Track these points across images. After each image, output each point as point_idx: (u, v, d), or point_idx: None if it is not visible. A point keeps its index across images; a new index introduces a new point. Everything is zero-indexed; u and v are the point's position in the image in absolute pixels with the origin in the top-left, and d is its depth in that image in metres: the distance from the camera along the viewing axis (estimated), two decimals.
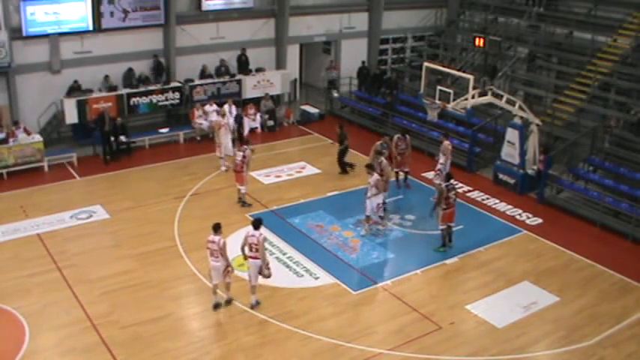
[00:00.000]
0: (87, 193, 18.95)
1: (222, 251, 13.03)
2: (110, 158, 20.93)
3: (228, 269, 13.32)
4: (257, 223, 13.27)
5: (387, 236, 16.77)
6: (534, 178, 19.46)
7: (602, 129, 20.38)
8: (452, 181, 16.14)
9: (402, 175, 19.71)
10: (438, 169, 18.50)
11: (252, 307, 13.46)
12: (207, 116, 23.08)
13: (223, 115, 21.43)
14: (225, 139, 20.25)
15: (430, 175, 20.33)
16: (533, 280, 14.93)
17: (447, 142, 19.04)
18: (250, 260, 13.28)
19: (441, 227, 15.97)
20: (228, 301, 13.65)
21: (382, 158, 17.56)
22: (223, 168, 20.16)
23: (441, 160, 18.75)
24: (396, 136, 19.38)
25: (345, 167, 20.47)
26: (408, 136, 19.54)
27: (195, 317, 13.49)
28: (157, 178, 20.04)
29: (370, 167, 16.70)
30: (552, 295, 14.34)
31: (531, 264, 15.67)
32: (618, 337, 13.01)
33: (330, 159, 21.04)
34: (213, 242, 13.07)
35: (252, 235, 13.12)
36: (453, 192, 15.94)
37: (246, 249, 13.24)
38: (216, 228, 13.15)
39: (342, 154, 20.46)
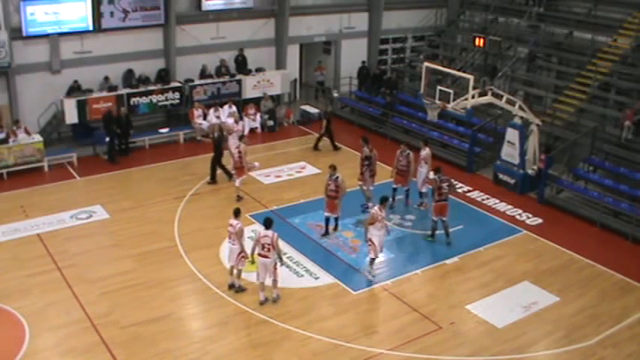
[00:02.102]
0: (87, 193, 18.95)
1: (237, 235, 13.49)
2: (114, 159, 20.95)
3: (242, 254, 13.67)
4: (269, 223, 13.38)
5: (387, 236, 16.73)
6: (534, 178, 19.45)
7: (620, 123, 20.25)
8: (441, 174, 16.27)
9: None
10: (426, 177, 17.91)
11: (274, 301, 13.61)
12: (206, 117, 23.16)
13: (237, 121, 20.53)
14: (232, 139, 19.60)
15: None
16: (533, 280, 14.93)
17: (428, 150, 18.13)
18: (261, 259, 13.35)
19: (434, 218, 16.30)
20: (238, 289, 13.98)
21: (338, 174, 16.11)
22: (237, 183, 18.46)
23: (424, 168, 17.96)
24: (398, 151, 17.88)
25: (214, 175, 19.49)
26: (411, 153, 17.77)
27: (195, 317, 13.50)
28: (157, 178, 20.03)
29: (384, 199, 14.69)
30: (552, 295, 14.34)
31: (531, 264, 15.67)
32: (618, 337, 13.01)
33: (329, 159, 20.98)
34: (231, 226, 13.59)
35: (266, 235, 13.22)
36: (446, 184, 16.10)
37: (258, 248, 13.33)
38: (237, 213, 13.72)
39: (216, 158, 19.54)
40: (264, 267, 13.37)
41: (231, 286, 14.03)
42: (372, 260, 14.76)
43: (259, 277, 13.51)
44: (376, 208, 14.50)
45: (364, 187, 17.80)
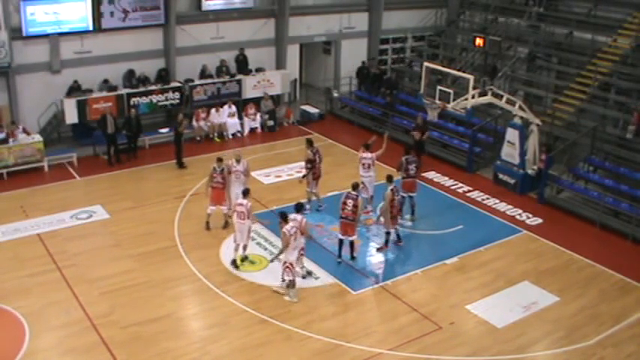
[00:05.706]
0: (87, 193, 18.96)
1: (249, 213, 14.53)
2: (116, 160, 20.97)
3: (250, 230, 14.96)
4: (247, 192, 14.97)
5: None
6: (534, 178, 19.44)
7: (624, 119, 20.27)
8: (410, 155, 17.32)
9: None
10: (362, 183, 16.61)
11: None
12: (207, 120, 23.24)
13: (238, 161, 16.90)
14: (236, 189, 16.37)
15: (431, 175, 20.46)
16: (533, 280, 14.92)
17: (372, 154, 17.29)
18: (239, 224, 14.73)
19: (402, 195, 16.85)
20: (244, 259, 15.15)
21: (357, 193, 14.95)
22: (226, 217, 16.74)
23: (370, 173, 17.28)
24: (345, 192, 15.21)
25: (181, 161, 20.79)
26: (359, 198, 15.09)
27: (195, 317, 13.51)
28: (156, 178, 20.04)
29: (283, 217, 13.83)
30: (552, 295, 14.34)
31: (531, 264, 15.67)
32: (618, 337, 13.02)
33: (330, 159, 21.01)
34: (241, 205, 14.59)
35: (240, 204, 14.61)
36: (413, 165, 17.15)
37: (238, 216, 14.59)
38: (245, 193, 14.90)
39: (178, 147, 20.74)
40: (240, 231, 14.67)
41: (234, 262, 14.95)
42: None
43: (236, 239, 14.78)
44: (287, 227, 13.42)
45: (309, 190, 17.83)
